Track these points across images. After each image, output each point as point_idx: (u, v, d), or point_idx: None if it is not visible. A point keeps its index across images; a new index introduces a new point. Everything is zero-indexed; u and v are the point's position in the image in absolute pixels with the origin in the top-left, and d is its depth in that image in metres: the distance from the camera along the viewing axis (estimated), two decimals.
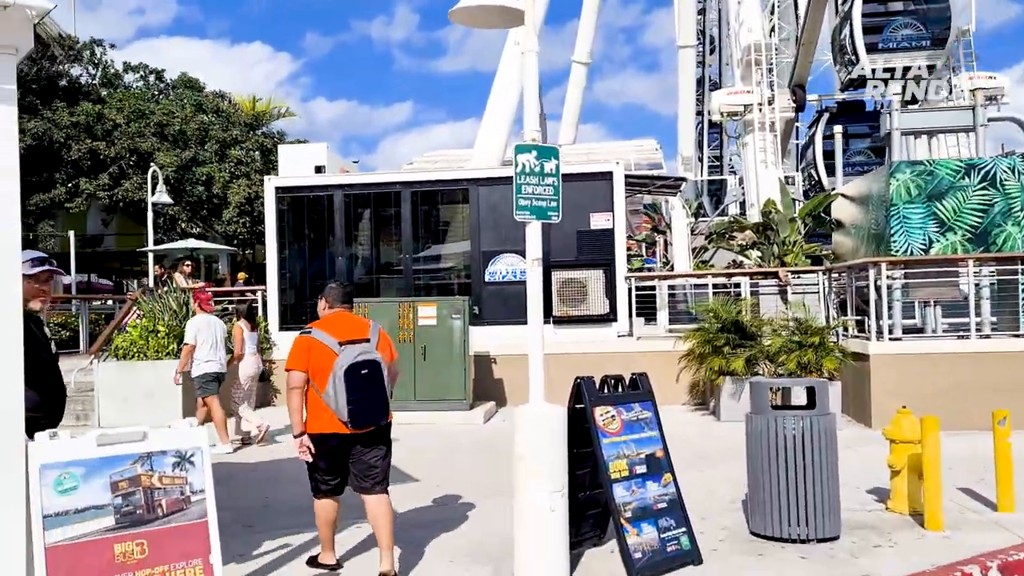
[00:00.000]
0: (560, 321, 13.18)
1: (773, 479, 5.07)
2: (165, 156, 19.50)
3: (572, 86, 31.74)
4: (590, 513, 4.97)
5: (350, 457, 4.61)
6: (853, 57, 22.01)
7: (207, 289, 14.76)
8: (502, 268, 13.39)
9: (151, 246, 17.24)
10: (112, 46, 23.64)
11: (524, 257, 13.50)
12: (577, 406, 4.85)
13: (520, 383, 13.44)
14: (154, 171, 17.73)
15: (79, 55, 22.07)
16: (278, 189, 14.00)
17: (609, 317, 13.16)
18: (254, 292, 13.98)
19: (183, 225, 20.55)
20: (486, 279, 13.40)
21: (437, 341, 11.25)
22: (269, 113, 23.35)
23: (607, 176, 13.37)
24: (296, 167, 14.22)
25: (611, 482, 4.58)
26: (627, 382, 5.08)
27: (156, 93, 22.48)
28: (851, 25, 22.13)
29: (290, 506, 6.72)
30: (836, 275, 12.69)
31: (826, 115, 25.53)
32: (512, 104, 19.19)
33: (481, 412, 11.29)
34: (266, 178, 13.96)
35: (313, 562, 4.94)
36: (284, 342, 13.79)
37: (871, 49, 22.00)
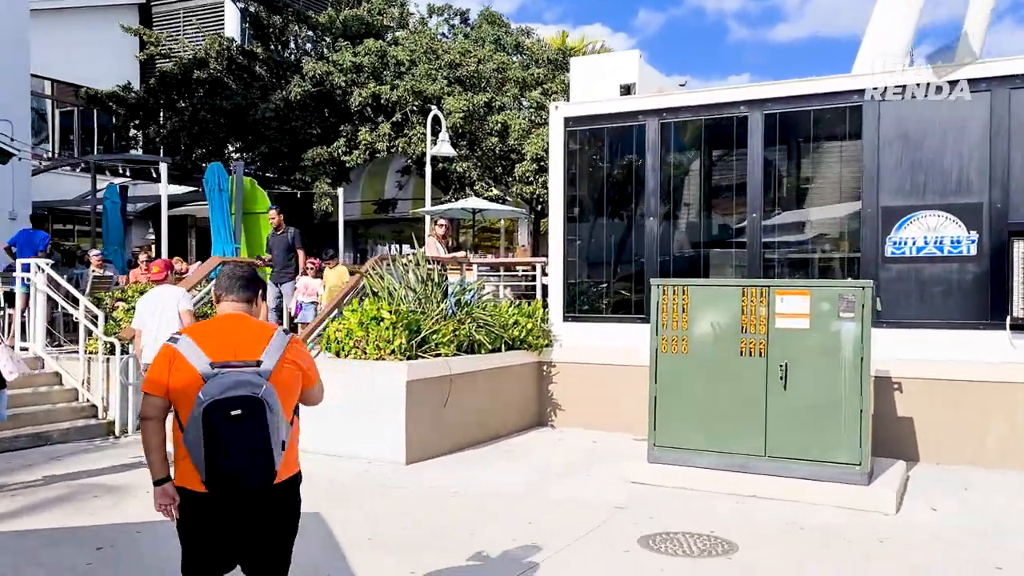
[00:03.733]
0: None
1: None
2: (454, 101, 16.50)
3: None
4: None
5: (229, 532, 3.08)
6: None
7: (472, 259, 11.26)
8: (917, 234, 8.17)
9: (428, 207, 14.26)
10: None
11: (955, 215, 8.14)
12: None
13: (952, 426, 8.15)
14: (435, 115, 14.68)
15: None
16: (568, 120, 9.97)
17: None
18: (531, 266, 10.09)
19: (477, 185, 17.56)
20: (887, 253, 8.28)
21: (809, 356, 6.50)
22: (582, 50, 19.61)
23: None
24: (595, 87, 10.05)
25: None
26: None
27: (458, 36, 19.79)
28: None
29: None
30: None
31: None
32: None
33: (890, 488, 6.38)
34: (551, 105, 9.99)
35: None
36: (570, 338, 9.78)
37: None
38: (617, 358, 9.45)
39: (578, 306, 10.06)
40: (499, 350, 9.19)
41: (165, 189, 11.82)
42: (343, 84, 17.01)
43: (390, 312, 7.98)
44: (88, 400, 9.25)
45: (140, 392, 8.84)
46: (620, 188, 10.07)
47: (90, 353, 9.37)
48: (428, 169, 14.63)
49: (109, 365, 9.17)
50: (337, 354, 8.22)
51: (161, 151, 21.20)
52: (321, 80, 17.29)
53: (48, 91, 24.76)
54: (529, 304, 10.12)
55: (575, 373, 9.88)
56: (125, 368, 9.13)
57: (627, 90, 10.13)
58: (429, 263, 9.16)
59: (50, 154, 24.44)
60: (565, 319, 10.02)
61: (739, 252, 9.25)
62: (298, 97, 17.08)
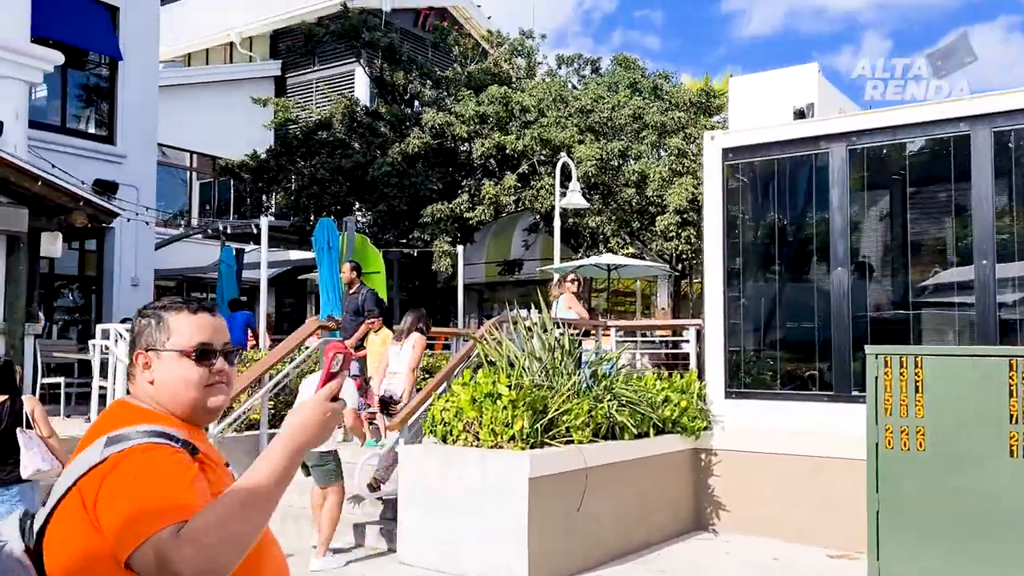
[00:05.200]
0: None
1: None
2: (586, 149, 15.02)
3: None
4: None
5: None
6: None
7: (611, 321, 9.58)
8: None
9: (557, 263, 12.72)
10: (543, 36, 20.29)
11: None
12: None
13: None
14: (564, 163, 13.21)
15: (512, 48, 19.09)
16: (727, 152, 8.20)
17: None
18: (676, 329, 8.31)
19: (612, 241, 15.90)
20: None
21: None
22: (726, 94, 17.84)
23: None
24: (759, 113, 8.26)
25: None
26: None
27: (588, 85, 18.48)
28: None
29: None
30: None
31: None
32: None
33: None
34: (706, 135, 8.29)
35: None
36: (734, 419, 7.88)
37: None
38: (799, 446, 7.45)
39: (743, 379, 8.11)
40: (646, 434, 7.37)
41: (265, 251, 10.83)
42: (465, 135, 15.91)
43: (509, 387, 6.33)
44: None
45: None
46: (796, 232, 8.17)
47: None
48: (557, 223, 13.15)
49: None
50: (444, 439, 6.62)
51: (292, 216, 20.75)
52: (441, 131, 16.25)
53: (187, 163, 25.29)
54: (682, 376, 8.26)
55: (742, 464, 7.90)
56: None
57: (801, 114, 8.28)
58: (559, 327, 7.49)
59: (187, 223, 24.72)
60: (727, 395, 8.08)
61: (962, 311, 7.12)
62: (416, 150, 16.06)
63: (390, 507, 7.29)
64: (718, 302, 8.20)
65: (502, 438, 6.28)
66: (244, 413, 8.44)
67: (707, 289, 8.48)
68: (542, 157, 15.76)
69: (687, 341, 9.90)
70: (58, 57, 12.46)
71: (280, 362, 8.45)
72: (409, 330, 8.20)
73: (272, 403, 8.80)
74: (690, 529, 7.88)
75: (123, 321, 14.87)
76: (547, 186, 15.40)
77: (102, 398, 8.82)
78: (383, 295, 12.72)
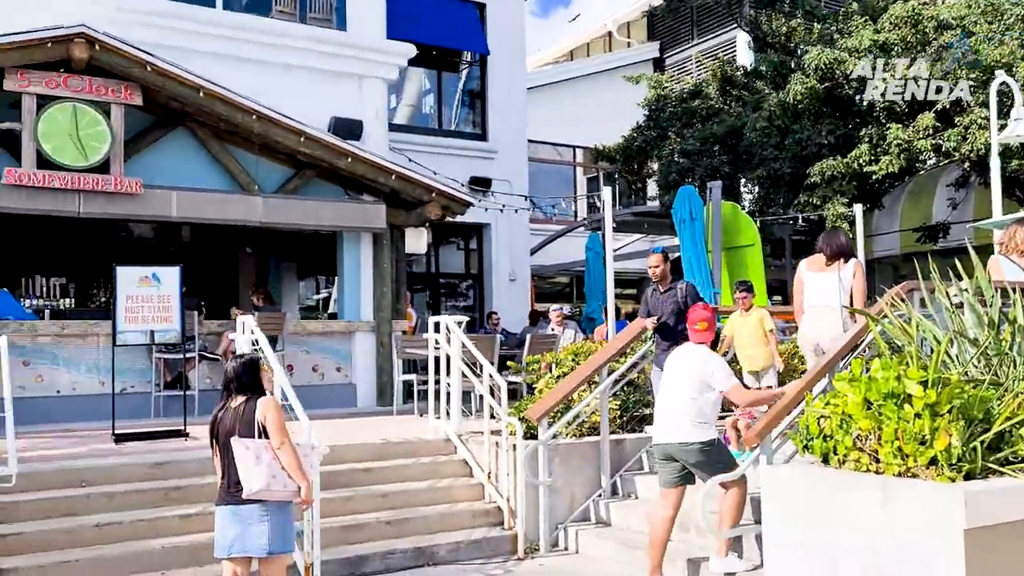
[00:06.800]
0: None
1: None
2: None
3: None
4: None
5: None
6: None
7: None
8: None
9: (996, 218, 9.67)
10: None
11: None
12: None
13: None
14: (1002, 85, 10.07)
15: None
16: None
17: None
18: None
19: None
20: None
21: None
22: None
23: None
24: None
25: None
26: None
27: None
28: None
29: None
30: None
31: None
32: None
33: None
34: None
35: None
36: None
37: None
38: None
39: None
40: None
41: (609, 230, 9.31)
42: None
43: (925, 383, 4.24)
44: (494, 500, 7.06)
45: (555, 493, 6.32)
46: None
47: (498, 434, 7.22)
48: (995, 165, 10.05)
49: (516, 454, 6.87)
50: (825, 459, 4.68)
51: (663, 198, 19.69)
52: (830, 72, 13.67)
53: (570, 158, 25.62)
54: None
55: None
56: (532, 458, 6.74)
57: None
58: (1005, 295, 5.11)
59: (573, 218, 25.10)
60: None
61: None
62: (799, 98, 13.69)
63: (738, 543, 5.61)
64: None
65: (915, 461, 4.20)
66: (582, 415, 7.24)
67: None
68: (971, 83, 12.47)
69: None
70: (410, 50, 12.59)
71: (617, 358, 7.14)
72: (842, 251, 6.42)
73: (617, 403, 7.50)
74: None
75: (489, 315, 14.84)
76: (979, 120, 12.09)
77: (437, 394, 8.30)
78: (759, 271, 10.76)
